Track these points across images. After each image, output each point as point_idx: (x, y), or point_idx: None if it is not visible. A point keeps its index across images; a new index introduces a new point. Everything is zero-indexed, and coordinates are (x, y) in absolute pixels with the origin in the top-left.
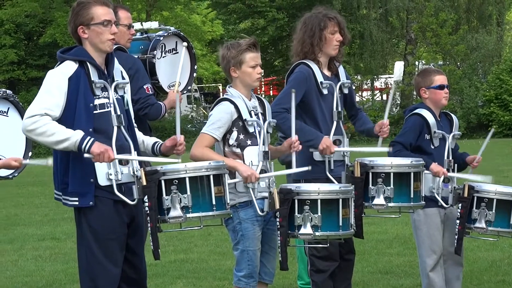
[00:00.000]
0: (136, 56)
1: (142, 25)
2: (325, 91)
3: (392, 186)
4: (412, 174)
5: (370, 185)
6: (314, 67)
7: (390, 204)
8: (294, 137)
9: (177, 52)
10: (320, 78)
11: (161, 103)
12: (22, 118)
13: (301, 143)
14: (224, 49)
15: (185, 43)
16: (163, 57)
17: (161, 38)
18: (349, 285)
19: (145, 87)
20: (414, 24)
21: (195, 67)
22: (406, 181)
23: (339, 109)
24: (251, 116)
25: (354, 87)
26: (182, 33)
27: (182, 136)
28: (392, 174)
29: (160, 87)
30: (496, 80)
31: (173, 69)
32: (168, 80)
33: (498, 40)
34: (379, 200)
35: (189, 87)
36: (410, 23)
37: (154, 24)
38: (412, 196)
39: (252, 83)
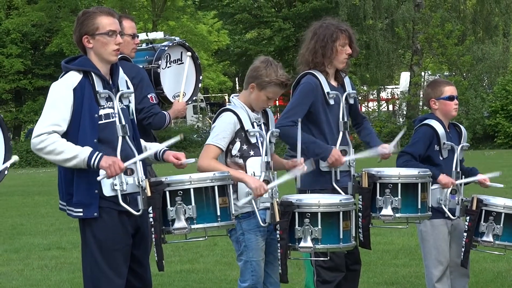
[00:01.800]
0: (141, 66)
1: (147, 35)
2: (331, 102)
3: (399, 197)
4: (419, 184)
5: (378, 196)
6: (321, 77)
7: (398, 215)
8: (300, 158)
9: (182, 62)
10: (326, 88)
11: (165, 112)
12: (2, 134)
13: (310, 156)
14: (263, 63)
15: (189, 53)
16: (168, 67)
17: (166, 48)
18: None
19: (149, 96)
20: (420, 34)
21: (200, 77)
22: (414, 192)
23: (345, 120)
24: (253, 127)
25: (359, 98)
26: (187, 44)
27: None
28: (399, 185)
29: (165, 97)
30: (502, 91)
31: (178, 79)
32: (173, 90)
33: (504, 51)
34: (387, 211)
35: (194, 98)
36: (416, 33)
37: (159, 35)
38: (419, 206)
39: (257, 107)
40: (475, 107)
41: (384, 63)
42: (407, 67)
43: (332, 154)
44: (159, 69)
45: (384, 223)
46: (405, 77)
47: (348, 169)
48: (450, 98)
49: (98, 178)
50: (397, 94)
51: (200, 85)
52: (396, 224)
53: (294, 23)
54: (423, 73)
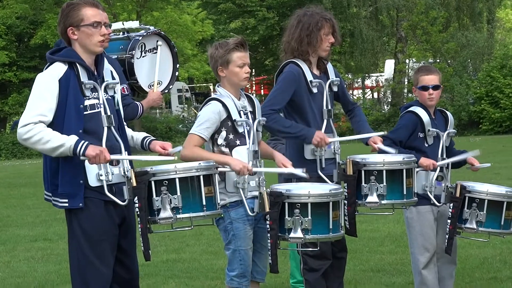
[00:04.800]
0: (115, 56)
1: (123, 24)
2: (314, 90)
3: (385, 183)
4: (404, 170)
5: (363, 183)
6: (304, 66)
7: (383, 202)
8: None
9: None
10: (309, 77)
11: (137, 102)
12: None
13: (294, 138)
14: (212, 49)
15: (160, 42)
16: (143, 56)
17: (140, 38)
18: (341, 283)
19: (120, 87)
20: (404, 22)
21: (177, 66)
22: (399, 178)
23: (329, 107)
24: (240, 116)
25: (345, 85)
26: (162, 32)
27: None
28: (384, 172)
29: (140, 87)
30: (486, 78)
31: (154, 69)
32: (149, 79)
33: (489, 37)
34: (373, 198)
35: (170, 87)
36: (400, 21)
37: (134, 24)
38: (405, 192)
39: (239, 82)
40: (460, 94)
41: (368, 51)
42: (392, 54)
43: (316, 135)
44: (132, 59)
45: (370, 210)
46: (389, 65)
47: (333, 157)
48: (424, 88)
49: (81, 158)
50: (382, 82)
51: (177, 73)
52: (382, 211)
53: (278, 12)
54: (407, 61)
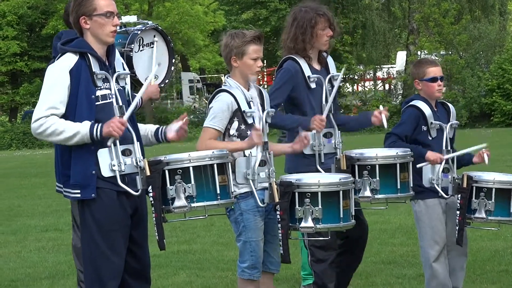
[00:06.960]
0: None
1: (120, 18)
2: (313, 85)
3: (378, 178)
4: (398, 165)
5: (357, 178)
6: (302, 61)
7: (377, 196)
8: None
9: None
10: (307, 72)
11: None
12: None
13: (291, 130)
14: (228, 38)
15: (156, 38)
16: (141, 50)
17: (139, 32)
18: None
19: None
20: (416, 14)
21: (173, 60)
22: (392, 173)
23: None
24: (249, 107)
25: (356, 77)
26: (160, 27)
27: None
28: (377, 166)
29: (137, 81)
30: (498, 70)
31: (151, 63)
32: (146, 73)
33: (501, 29)
34: (366, 193)
35: (167, 80)
36: (412, 13)
37: (132, 18)
38: (399, 187)
39: (251, 75)
40: (471, 86)
41: (380, 43)
42: (404, 46)
43: (313, 118)
44: (131, 53)
45: (370, 204)
46: (401, 57)
47: (334, 151)
48: (433, 80)
49: (108, 143)
50: (393, 74)
51: (172, 68)
52: (376, 205)
53: (290, 3)
54: (419, 52)
